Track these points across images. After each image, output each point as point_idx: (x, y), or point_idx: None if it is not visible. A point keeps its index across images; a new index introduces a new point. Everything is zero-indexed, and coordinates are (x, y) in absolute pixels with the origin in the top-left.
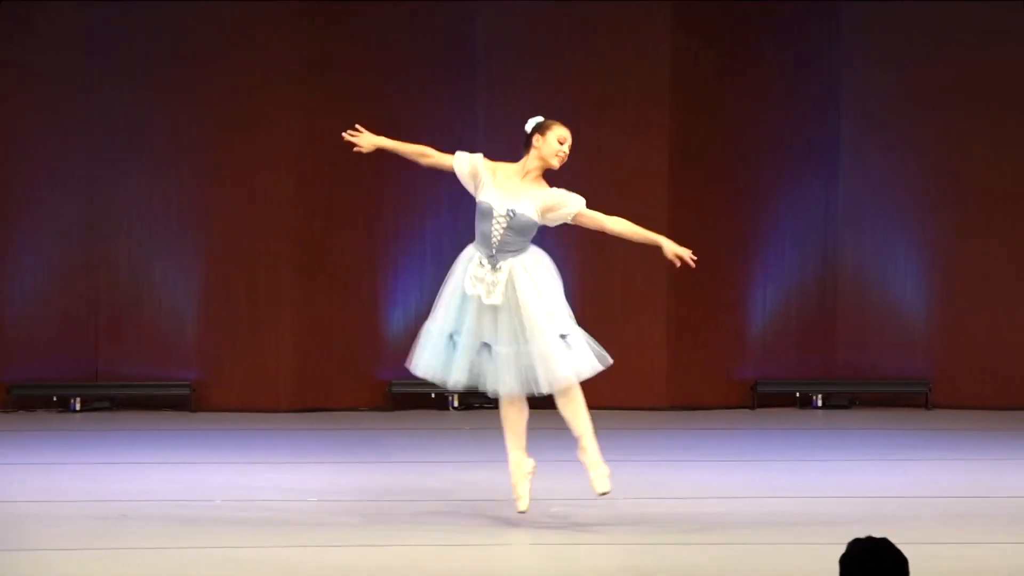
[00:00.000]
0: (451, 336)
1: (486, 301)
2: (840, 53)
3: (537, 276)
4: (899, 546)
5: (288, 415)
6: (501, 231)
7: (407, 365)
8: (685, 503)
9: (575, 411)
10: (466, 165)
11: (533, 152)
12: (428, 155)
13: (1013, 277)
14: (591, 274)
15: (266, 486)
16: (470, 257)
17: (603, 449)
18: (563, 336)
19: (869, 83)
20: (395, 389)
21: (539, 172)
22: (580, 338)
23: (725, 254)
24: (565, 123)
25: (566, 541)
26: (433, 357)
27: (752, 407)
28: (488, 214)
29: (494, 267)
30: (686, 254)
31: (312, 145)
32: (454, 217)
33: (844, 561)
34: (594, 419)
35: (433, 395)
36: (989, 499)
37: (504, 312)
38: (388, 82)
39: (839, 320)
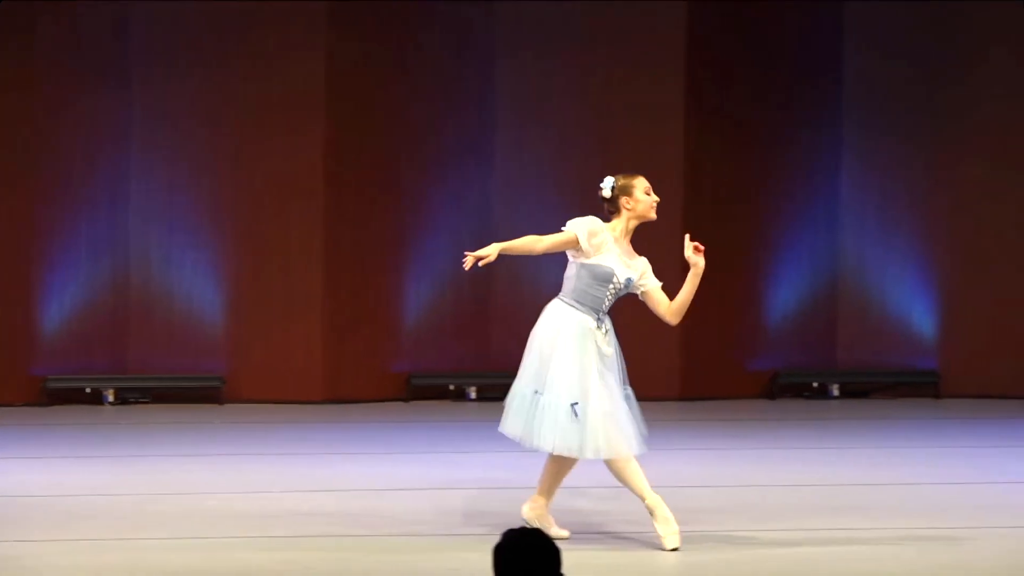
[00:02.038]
0: (573, 404)
1: (606, 352)
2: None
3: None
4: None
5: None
6: (611, 297)
7: (507, 433)
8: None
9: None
10: (589, 230)
11: (626, 214)
12: (540, 240)
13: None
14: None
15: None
16: (584, 326)
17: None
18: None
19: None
20: (50, 384)
21: (633, 233)
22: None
23: (381, 249)
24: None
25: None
26: (561, 428)
27: (406, 399)
28: (607, 280)
29: (602, 328)
30: (690, 253)
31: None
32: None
33: (498, 551)
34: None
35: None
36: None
37: (614, 360)
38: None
39: (492, 309)
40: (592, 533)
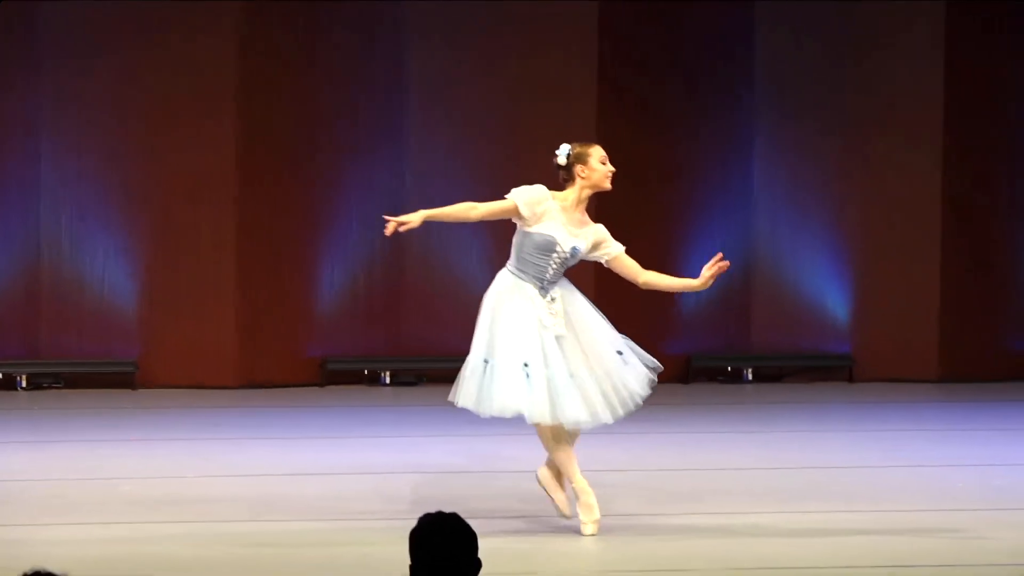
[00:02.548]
0: (524, 365)
1: (556, 333)
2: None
3: (579, 299)
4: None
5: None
6: (555, 266)
7: (459, 403)
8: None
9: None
10: (529, 198)
11: (580, 182)
12: (475, 207)
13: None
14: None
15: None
16: (523, 289)
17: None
18: (619, 352)
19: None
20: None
21: (587, 202)
22: (631, 352)
23: (293, 235)
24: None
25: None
26: (511, 391)
27: (321, 384)
28: (549, 249)
29: (547, 298)
30: (713, 271)
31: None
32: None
33: (414, 535)
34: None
35: (366, 371)
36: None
37: (567, 341)
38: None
39: (405, 297)
40: (523, 517)
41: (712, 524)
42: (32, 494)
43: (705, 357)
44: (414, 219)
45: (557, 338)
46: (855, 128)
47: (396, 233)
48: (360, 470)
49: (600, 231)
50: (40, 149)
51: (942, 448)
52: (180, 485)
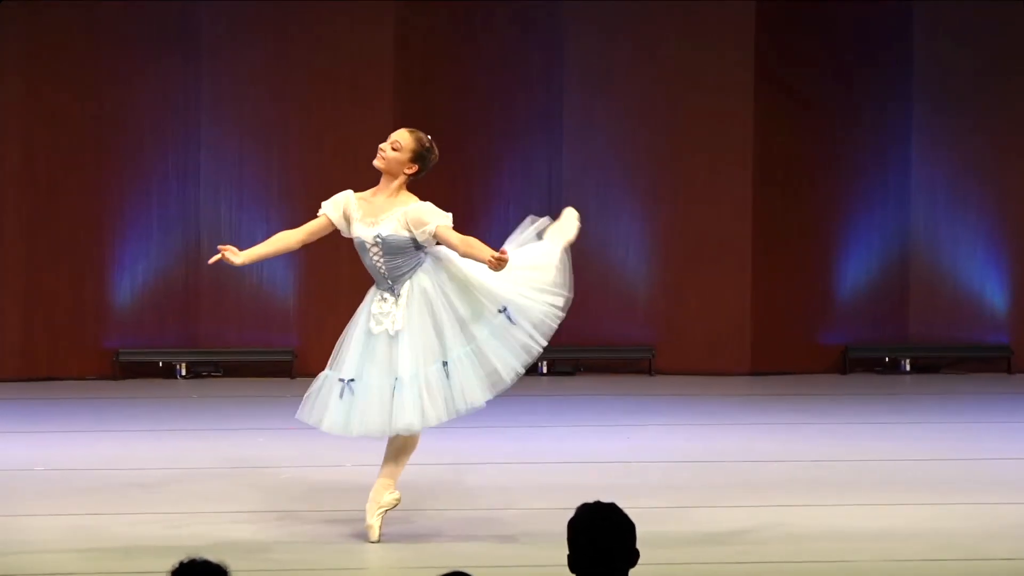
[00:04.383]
0: (349, 383)
1: (391, 331)
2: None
3: (449, 275)
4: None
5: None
6: (381, 259)
7: (305, 419)
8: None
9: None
10: (337, 211)
11: None
12: (294, 233)
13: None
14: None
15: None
16: (371, 298)
17: None
18: (502, 310)
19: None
20: (122, 357)
21: (401, 184)
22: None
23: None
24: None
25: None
26: (334, 411)
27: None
28: (363, 248)
29: (396, 296)
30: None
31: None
32: (181, 185)
33: (573, 525)
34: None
35: (161, 364)
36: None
37: (406, 336)
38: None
39: None
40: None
41: (870, 515)
42: (189, 482)
43: (862, 348)
44: (234, 260)
45: (391, 336)
46: (1011, 124)
47: (219, 263)
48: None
49: (415, 208)
50: (200, 136)
51: None
52: (336, 473)
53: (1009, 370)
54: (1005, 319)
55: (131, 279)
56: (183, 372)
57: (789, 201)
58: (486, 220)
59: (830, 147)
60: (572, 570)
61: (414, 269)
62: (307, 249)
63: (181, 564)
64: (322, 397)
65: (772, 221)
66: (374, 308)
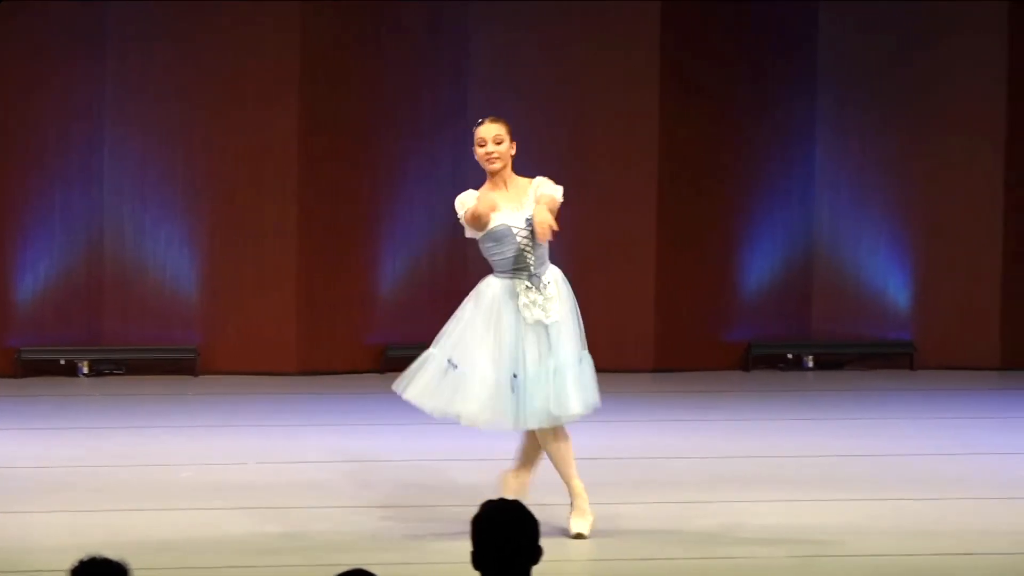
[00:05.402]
0: (514, 377)
1: (547, 321)
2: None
3: (566, 283)
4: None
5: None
6: (530, 242)
7: (500, 427)
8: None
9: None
10: (462, 211)
11: None
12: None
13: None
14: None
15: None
16: (506, 291)
17: None
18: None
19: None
20: (24, 356)
21: (507, 176)
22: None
23: (355, 221)
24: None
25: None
26: (497, 405)
27: (381, 371)
28: (505, 237)
29: (541, 287)
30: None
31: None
32: (84, 185)
33: (477, 521)
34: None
35: (63, 362)
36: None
37: (563, 326)
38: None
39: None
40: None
41: (768, 511)
42: (93, 480)
43: (765, 345)
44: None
45: (548, 327)
46: (916, 118)
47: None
48: (425, 457)
49: (541, 183)
50: (103, 136)
51: (1004, 436)
52: (239, 472)
53: (911, 366)
54: (908, 315)
55: (33, 277)
56: (85, 370)
57: (694, 198)
58: (389, 219)
59: (736, 144)
60: (476, 567)
61: (546, 262)
62: (211, 246)
63: (81, 563)
64: (499, 401)
65: (677, 218)
66: (522, 299)
